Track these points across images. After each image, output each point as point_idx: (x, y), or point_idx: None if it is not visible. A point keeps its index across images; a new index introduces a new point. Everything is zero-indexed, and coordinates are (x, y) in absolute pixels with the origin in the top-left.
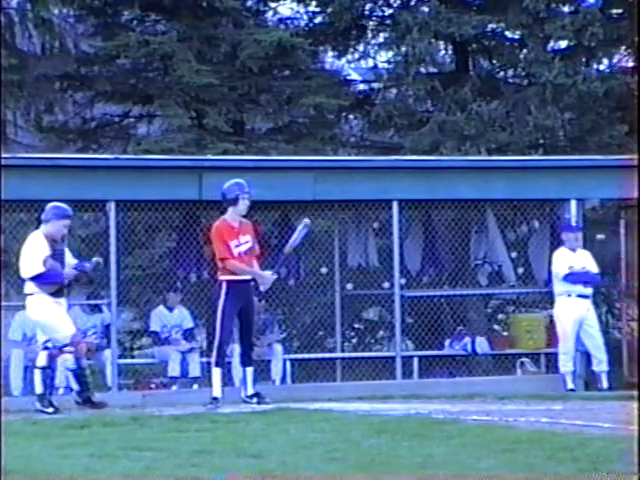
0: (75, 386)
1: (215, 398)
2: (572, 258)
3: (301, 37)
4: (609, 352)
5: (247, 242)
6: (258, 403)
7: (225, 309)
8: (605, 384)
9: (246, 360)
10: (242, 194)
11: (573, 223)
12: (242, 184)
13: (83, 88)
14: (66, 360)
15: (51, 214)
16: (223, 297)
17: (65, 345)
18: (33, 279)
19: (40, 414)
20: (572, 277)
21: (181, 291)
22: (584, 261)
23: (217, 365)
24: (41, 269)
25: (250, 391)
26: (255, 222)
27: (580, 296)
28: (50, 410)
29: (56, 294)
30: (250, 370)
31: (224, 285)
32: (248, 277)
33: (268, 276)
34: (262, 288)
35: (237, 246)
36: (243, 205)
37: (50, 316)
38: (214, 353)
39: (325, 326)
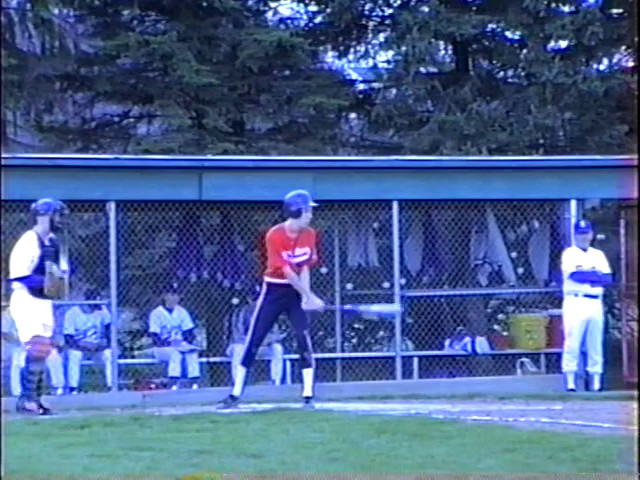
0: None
1: (232, 396)
2: (581, 257)
3: (301, 37)
4: (609, 352)
5: (304, 254)
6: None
7: (261, 311)
8: (597, 385)
9: (302, 362)
10: (306, 207)
11: (582, 224)
12: (306, 196)
13: (83, 88)
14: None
15: (42, 209)
16: (262, 298)
17: (27, 343)
18: (17, 280)
19: (39, 415)
20: (578, 276)
21: (179, 292)
22: (595, 261)
23: (243, 364)
24: (25, 272)
25: (307, 393)
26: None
27: (587, 296)
28: (32, 405)
29: (38, 294)
30: (306, 372)
31: (265, 286)
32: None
33: (316, 302)
34: (304, 305)
35: (290, 257)
36: (306, 218)
37: (23, 313)
38: (243, 352)
39: (325, 326)
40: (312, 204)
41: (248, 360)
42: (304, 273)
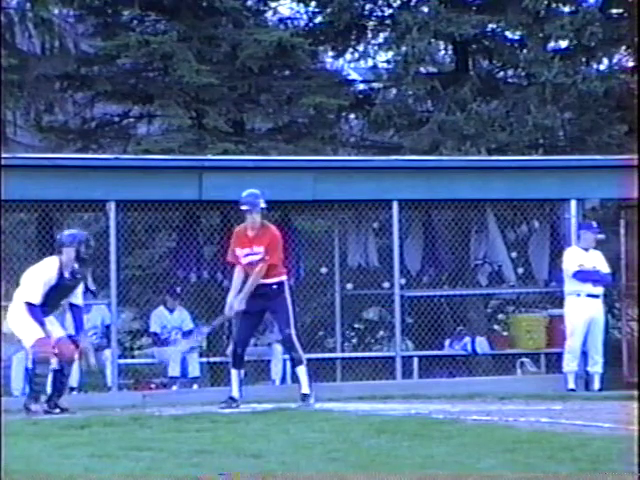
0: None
1: (232, 398)
2: (583, 257)
3: (301, 37)
4: (609, 352)
5: (258, 253)
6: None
7: (243, 311)
8: (597, 385)
9: (291, 361)
10: (250, 209)
11: (594, 224)
12: (254, 196)
13: (83, 88)
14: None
15: (67, 240)
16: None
17: (32, 347)
18: (25, 304)
19: (42, 414)
20: (581, 275)
21: (180, 296)
22: (595, 260)
23: (233, 366)
24: (36, 300)
25: (304, 390)
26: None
27: (590, 296)
28: (37, 407)
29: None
30: (299, 370)
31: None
32: (268, 281)
33: (233, 306)
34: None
35: (248, 255)
36: (250, 219)
37: (21, 322)
38: (230, 354)
39: (325, 326)
40: (263, 205)
41: (236, 362)
42: (257, 269)
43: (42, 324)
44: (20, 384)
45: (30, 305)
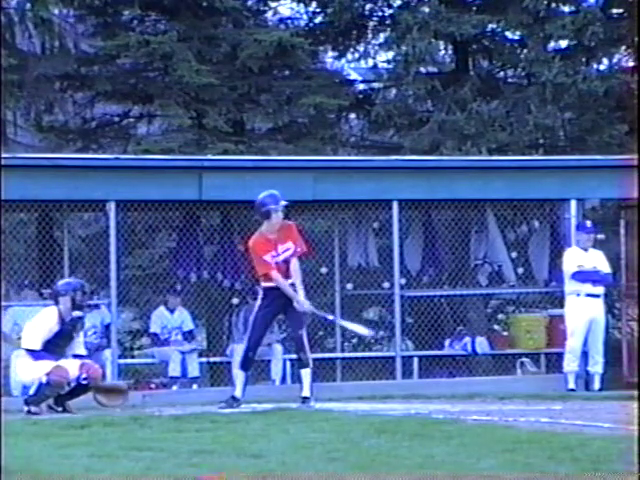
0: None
1: (234, 397)
2: (583, 257)
3: (301, 37)
4: (609, 352)
5: (288, 250)
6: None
7: (257, 315)
8: (597, 385)
9: (298, 362)
10: (275, 208)
11: (588, 224)
12: (275, 196)
13: (83, 88)
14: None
15: (62, 289)
16: (259, 302)
17: (47, 374)
18: (27, 351)
19: (42, 414)
20: (580, 275)
21: (180, 294)
22: (595, 260)
23: (241, 368)
24: (36, 346)
25: (304, 393)
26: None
27: (589, 295)
28: (37, 409)
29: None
30: (304, 372)
31: (261, 291)
32: (288, 282)
33: (304, 305)
34: (296, 307)
35: (275, 257)
36: (276, 218)
37: (29, 370)
38: (241, 356)
39: (325, 326)
40: (283, 203)
41: (246, 364)
42: (293, 267)
43: (51, 359)
44: (19, 384)
45: (31, 351)
